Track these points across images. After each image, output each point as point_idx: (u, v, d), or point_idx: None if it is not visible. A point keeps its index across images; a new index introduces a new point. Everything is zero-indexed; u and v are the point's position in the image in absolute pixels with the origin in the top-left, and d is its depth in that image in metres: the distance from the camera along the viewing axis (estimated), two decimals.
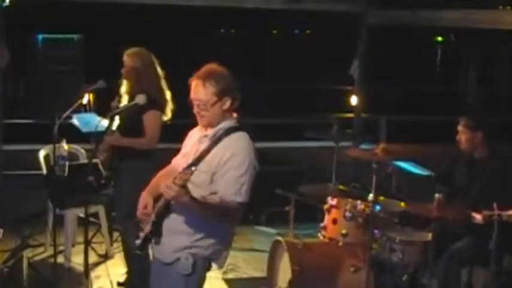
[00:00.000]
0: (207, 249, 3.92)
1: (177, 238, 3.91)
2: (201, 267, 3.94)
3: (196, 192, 3.77)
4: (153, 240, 3.96)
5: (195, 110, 3.90)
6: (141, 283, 5.78)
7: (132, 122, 5.42)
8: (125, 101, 5.56)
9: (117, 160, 5.56)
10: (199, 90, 3.84)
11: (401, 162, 7.64)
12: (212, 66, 3.93)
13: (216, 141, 3.87)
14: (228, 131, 3.88)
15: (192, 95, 3.88)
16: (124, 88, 5.62)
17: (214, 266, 4.01)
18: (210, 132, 3.93)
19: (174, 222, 3.92)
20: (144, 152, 5.44)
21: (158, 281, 4.07)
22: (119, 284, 6.09)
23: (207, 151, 3.86)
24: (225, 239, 3.98)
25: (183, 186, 3.60)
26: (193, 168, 3.67)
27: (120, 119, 5.48)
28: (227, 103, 3.87)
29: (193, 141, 4.05)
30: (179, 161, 4.10)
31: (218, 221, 3.85)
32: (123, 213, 5.50)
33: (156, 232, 3.92)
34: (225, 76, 3.89)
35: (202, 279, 4.03)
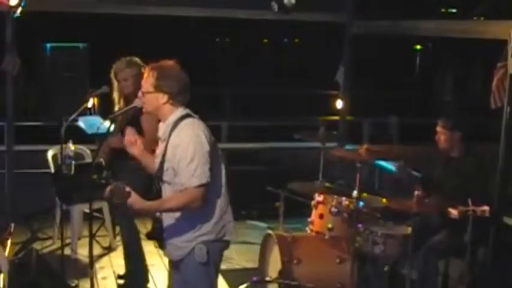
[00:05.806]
0: (212, 233, 3.91)
1: (182, 235, 3.90)
2: (214, 251, 3.94)
3: (170, 189, 3.86)
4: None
5: (138, 94, 3.96)
6: (140, 276, 5.78)
7: (132, 125, 5.33)
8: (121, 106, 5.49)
9: (116, 160, 5.52)
10: (145, 78, 3.90)
11: (383, 162, 7.66)
12: (167, 62, 3.92)
13: (168, 138, 3.87)
14: (175, 125, 3.86)
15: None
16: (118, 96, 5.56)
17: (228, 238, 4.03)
18: (161, 131, 3.93)
19: (170, 223, 3.92)
20: None
21: (179, 280, 4.06)
22: (119, 276, 6.07)
23: (164, 151, 3.88)
24: (222, 214, 3.95)
25: (122, 203, 3.69)
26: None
27: (120, 122, 5.41)
28: (163, 98, 3.85)
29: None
30: (155, 161, 4.08)
31: (190, 209, 3.81)
32: (122, 210, 5.45)
33: (158, 236, 3.92)
34: (171, 75, 3.86)
35: (218, 263, 4.05)
